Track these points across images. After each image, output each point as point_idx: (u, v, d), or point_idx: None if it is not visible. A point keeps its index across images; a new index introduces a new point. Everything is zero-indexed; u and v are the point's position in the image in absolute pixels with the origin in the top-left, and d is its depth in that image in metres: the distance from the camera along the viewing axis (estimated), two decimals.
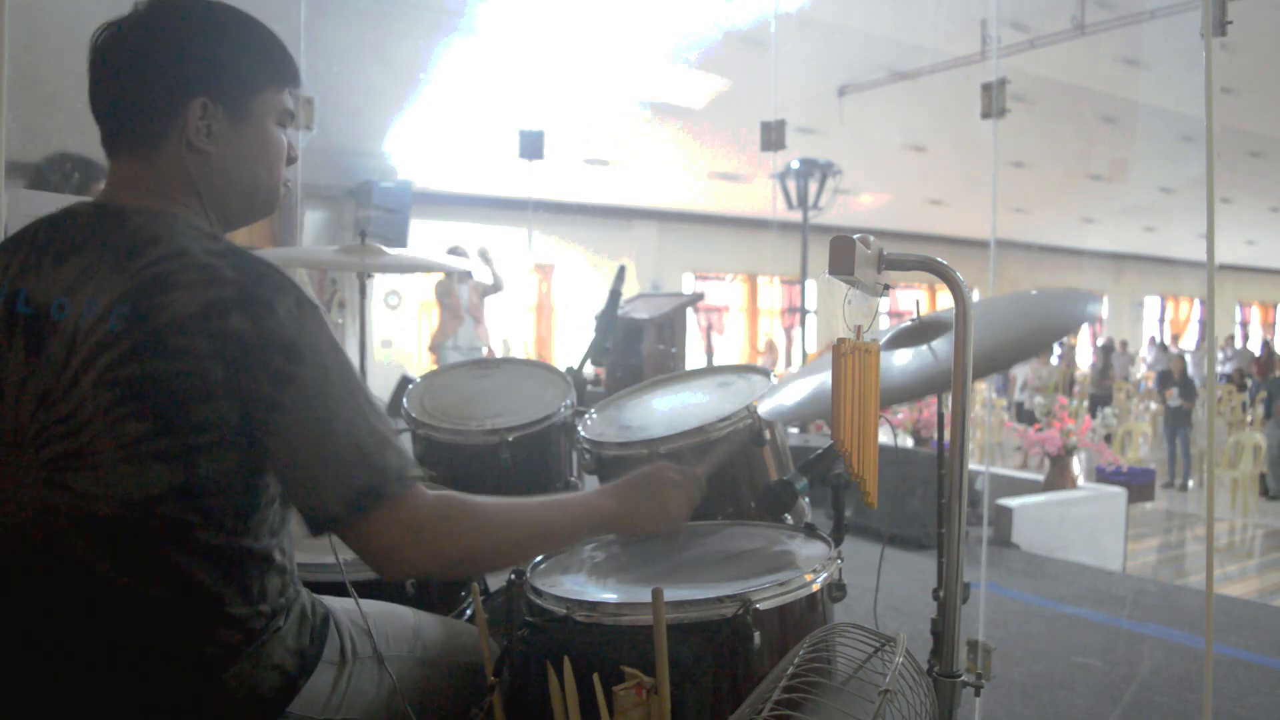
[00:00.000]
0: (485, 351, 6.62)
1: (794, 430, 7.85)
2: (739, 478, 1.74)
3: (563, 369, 2.08)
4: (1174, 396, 9.67)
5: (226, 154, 1.13)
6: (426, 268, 3.62)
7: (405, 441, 1.99)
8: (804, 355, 9.20)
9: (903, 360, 1.54)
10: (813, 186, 8.39)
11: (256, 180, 1.17)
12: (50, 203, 1.71)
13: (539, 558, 1.52)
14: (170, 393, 0.98)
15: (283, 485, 1.06)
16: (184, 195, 1.12)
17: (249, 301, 1.00)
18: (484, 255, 6.47)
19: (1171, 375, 10.07)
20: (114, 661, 1.03)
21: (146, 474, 0.99)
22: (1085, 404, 9.33)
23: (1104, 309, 18.56)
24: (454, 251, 6.26)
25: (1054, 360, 12.94)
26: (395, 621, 1.32)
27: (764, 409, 1.68)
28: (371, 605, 1.31)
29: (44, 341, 1.03)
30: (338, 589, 1.35)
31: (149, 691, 1.03)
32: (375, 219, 8.22)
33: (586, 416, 1.94)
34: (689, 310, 4.17)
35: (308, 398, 1.01)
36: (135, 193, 1.10)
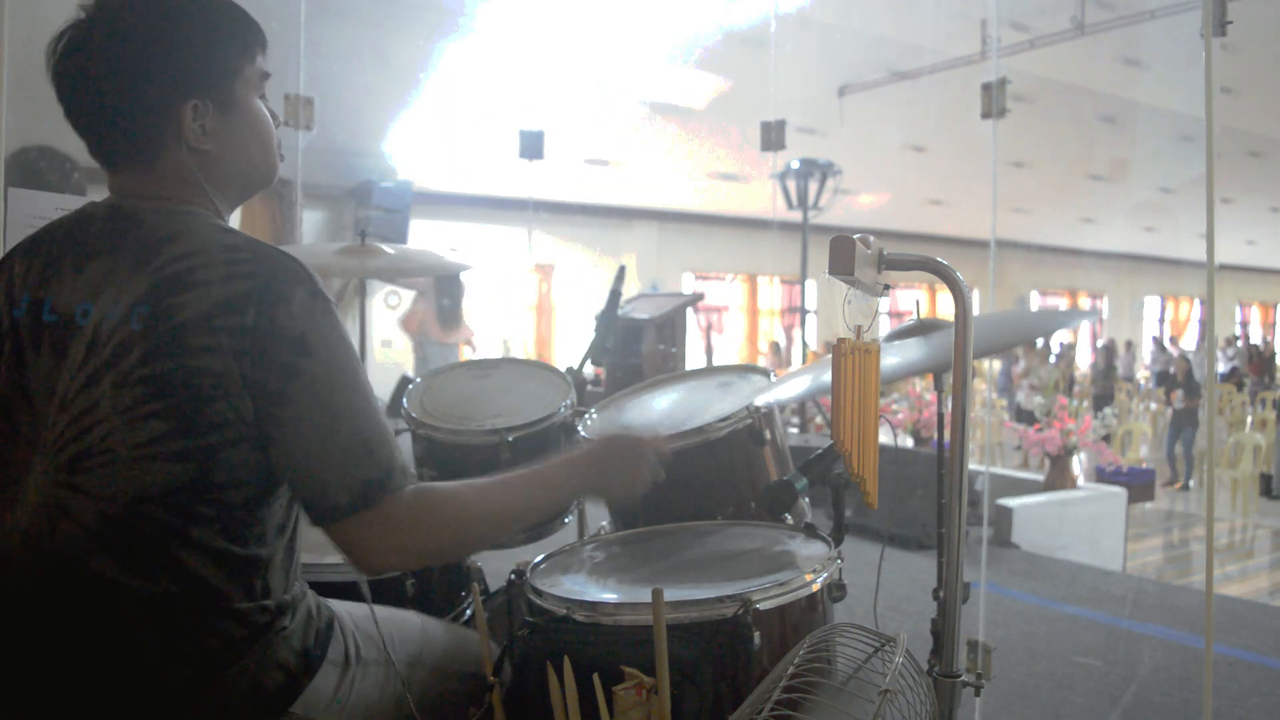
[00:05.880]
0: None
1: (794, 430, 7.86)
2: (739, 478, 1.74)
3: (563, 369, 2.08)
4: (1179, 399, 9.67)
5: (223, 146, 1.13)
6: (426, 269, 3.61)
7: (405, 441, 1.99)
8: (804, 355, 9.20)
9: (900, 349, 1.54)
10: (813, 186, 8.38)
11: (253, 161, 1.17)
12: (50, 203, 1.71)
13: (540, 558, 1.53)
14: (190, 390, 1.00)
15: (288, 476, 1.07)
16: (190, 192, 1.12)
17: (265, 296, 1.01)
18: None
19: (1170, 375, 10.07)
20: (118, 657, 1.03)
21: (161, 472, 1.00)
22: (1086, 404, 9.31)
23: (1104, 309, 18.57)
24: None
25: (1052, 360, 12.93)
26: (402, 626, 1.33)
27: (762, 399, 1.68)
28: (379, 610, 1.31)
29: (66, 346, 1.04)
30: (341, 591, 1.35)
31: (153, 687, 1.04)
32: (375, 219, 8.21)
33: (586, 416, 1.94)
34: (689, 310, 4.17)
35: (315, 391, 1.03)
36: (145, 195, 1.11)
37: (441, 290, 6.47)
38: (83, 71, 1.07)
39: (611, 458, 1.30)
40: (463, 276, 6.48)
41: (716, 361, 7.81)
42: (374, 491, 1.05)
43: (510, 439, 1.84)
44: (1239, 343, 16.32)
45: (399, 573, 1.60)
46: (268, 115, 1.18)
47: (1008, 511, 5.66)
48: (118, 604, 1.02)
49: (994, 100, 3.20)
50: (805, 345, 9.58)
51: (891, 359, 1.54)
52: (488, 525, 1.18)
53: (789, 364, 11.67)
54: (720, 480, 1.73)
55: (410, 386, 2.08)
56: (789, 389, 1.75)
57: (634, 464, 1.30)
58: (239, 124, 1.14)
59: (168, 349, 1.00)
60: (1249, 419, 11.08)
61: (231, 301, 1.00)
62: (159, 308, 1.01)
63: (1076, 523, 5.91)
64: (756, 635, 1.22)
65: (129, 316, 1.01)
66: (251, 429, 1.02)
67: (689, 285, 13.96)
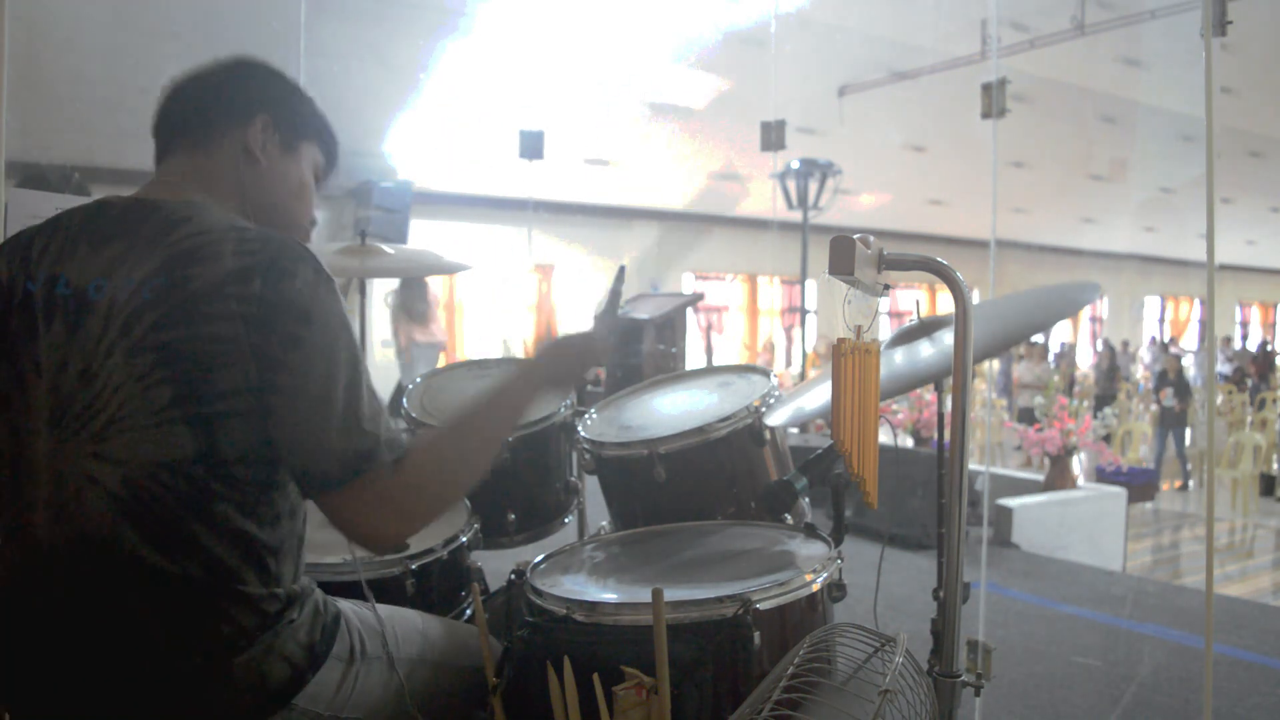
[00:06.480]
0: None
1: (794, 430, 7.86)
2: (739, 478, 1.74)
3: None
4: (1168, 396, 9.65)
5: (271, 171, 1.25)
6: (426, 269, 3.61)
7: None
8: (804, 355, 9.20)
9: (904, 354, 1.54)
10: (813, 186, 8.37)
11: (287, 206, 1.27)
12: (50, 202, 1.71)
13: (540, 558, 1.53)
14: (199, 358, 1.03)
15: (283, 447, 1.08)
16: (223, 191, 1.20)
17: (272, 268, 1.06)
18: None
19: (1167, 375, 10.04)
20: (134, 639, 1.05)
21: (175, 438, 1.03)
22: (1087, 404, 9.29)
23: (1104, 309, 18.57)
24: None
25: (1050, 361, 12.92)
26: (403, 623, 1.34)
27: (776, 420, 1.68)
28: (381, 607, 1.31)
29: (81, 320, 1.07)
30: (344, 590, 1.35)
31: (162, 672, 1.05)
32: (375, 219, 8.22)
33: (586, 416, 1.94)
34: (689, 310, 4.17)
35: (314, 362, 1.06)
36: (175, 186, 1.18)
37: (409, 292, 6.69)
38: (196, 77, 1.25)
39: (562, 354, 1.35)
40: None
41: (716, 361, 7.81)
42: (364, 461, 1.07)
43: (510, 439, 1.84)
44: (1236, 343, 16.31)
45: (402, 543, 1.59)
46: (314, 194, 1.30)
47: (1008, 511, 5.66)
48: (138, 582, 1.04)
49: (994, 100, 3.20)
50: (804, 347, 9.58)
51: (896, 362, 1.54)
52: (472, 465, 1.19)
53: (788, 364, 11.68)
54: (720, 480, 1.73)
55: (410, 387, 2.09)
56: (802, 403, 1.74)
57: (583, 356, 1.37)
58: (292, 169, 1.27)
59: (179, 316, 1.04)
60: (1248, 419, 11.08)
61: (241, 272, 1.05)
62: (170, 279, 1.05)
63: (1076, 523, 5.91)
64: (756, 635, 1.22)
65: (141, 288, 1.05)
66: (257, 400, 1.05)
67: (689, 285, 13.95)
